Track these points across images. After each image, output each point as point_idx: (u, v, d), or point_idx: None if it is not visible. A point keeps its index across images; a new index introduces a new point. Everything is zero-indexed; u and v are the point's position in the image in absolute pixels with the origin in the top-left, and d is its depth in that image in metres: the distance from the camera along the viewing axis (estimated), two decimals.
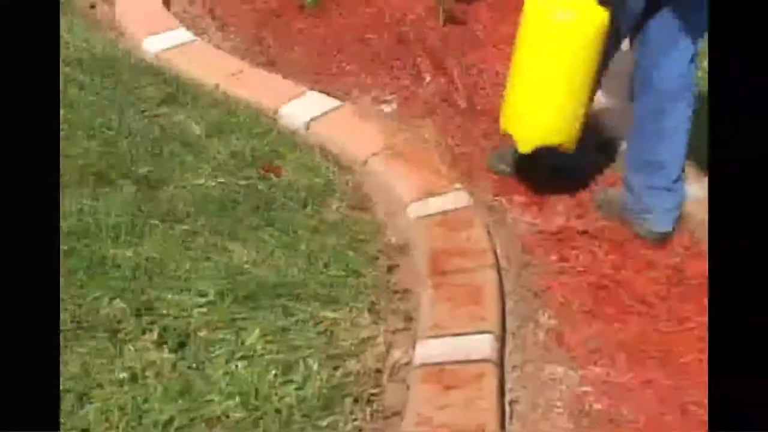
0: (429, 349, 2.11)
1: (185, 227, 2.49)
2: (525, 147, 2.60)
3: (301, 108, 3.16)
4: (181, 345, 2.09)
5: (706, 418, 1.98)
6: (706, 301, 2.33)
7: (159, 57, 3.42)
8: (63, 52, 3.32)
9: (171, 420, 1.88)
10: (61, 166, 2.64)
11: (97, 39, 3.52)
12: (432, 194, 2.71)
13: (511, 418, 1.99)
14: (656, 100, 2.58)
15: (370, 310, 2.26)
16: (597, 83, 2.59)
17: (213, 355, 2.07)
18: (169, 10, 3.82)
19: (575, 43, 2.46)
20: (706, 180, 2.84)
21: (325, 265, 2.39)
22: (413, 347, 2.13)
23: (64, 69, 3.19)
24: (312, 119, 3.10)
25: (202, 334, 2.13)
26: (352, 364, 2.09)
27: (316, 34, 3.76)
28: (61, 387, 1.92)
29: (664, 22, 2.49)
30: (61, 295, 2.16)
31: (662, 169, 2.61)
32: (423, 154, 2.94)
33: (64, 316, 2.12)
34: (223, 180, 2.73)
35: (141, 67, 3.34)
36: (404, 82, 3.44)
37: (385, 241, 2.56)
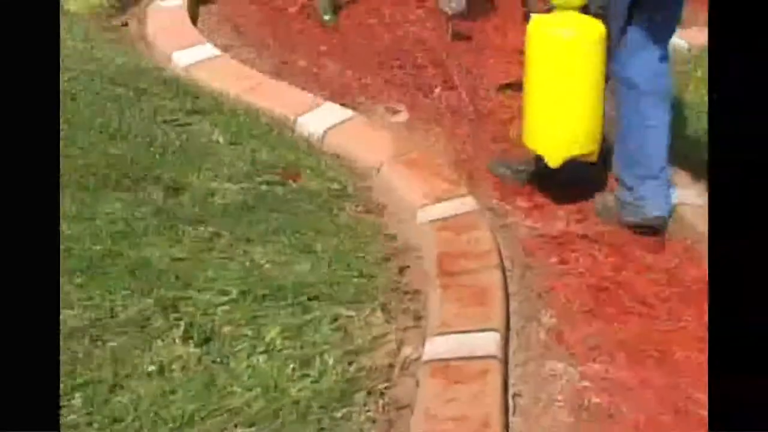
0: (437, 346, 2.11)
1: (209, 230, 2.49)
2: (554, 162, 2.60)
3: (318, 118, 3.16)
4: (206, 340, 2.09)
5: (702, 414, 1.98)
6: (702, 303, 2.34)
7: (186, 70, 3.44)
8: (98, 67, 3.35)
9: (196, 410, 1.88)
10: (93, 172, 2.68)
11: (130, 54, 3.53)
12: (440, 199, 2.71)
13: (514, 411, 1.99)
14: (636, 99, 2.59)
15: (382, 309, 2.25)
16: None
17: (235, 350, 2.07)
18: (196, 27, 3.83)
19: (580, 56, 2.48)
20: (701, 186, 2.84)
21: (340, 267, 2.39)
22: (422, 344, 2.13)
23: (100, 83, 3.22)
24: (328, 129, 3.11)
25: (225, 330, 2.13)
26: (365, 360, 2.09)
27: (332, 50, 3.77)
28: (93, 377, 1.93)
29: (636, 26, 2.51)
30: (96, 293, 2.18)
31: (649, 161, 2.61)
32: (431, 162, 2.94)
33: (98, 312, 2.13)
34: (244, 185, 2.74)
35: (169, 80, 3.35)
36: (414, 93, 3.45)
37: (396, 244, 2.56)
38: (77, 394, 1.88)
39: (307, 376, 2.01)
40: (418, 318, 2.25)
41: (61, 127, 2.88)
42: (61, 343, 2.01)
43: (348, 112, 3.21)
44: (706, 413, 1.97)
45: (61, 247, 2.32)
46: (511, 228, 2.67)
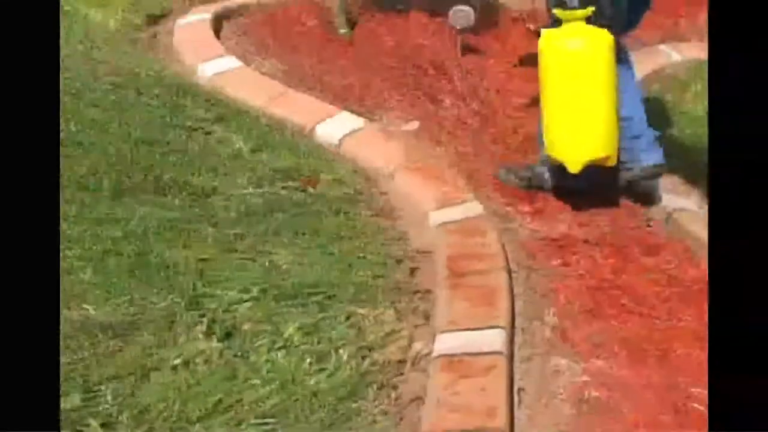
0: (446, 342, 2.11)
1: (232, 232, 2.50)
2: (575, 167, 2.59)
3: (335, 127, 3.17)
4: (228, 336, 2.09)
5: (699, 409, 1.97)
6: (700, 303, 2.34)
7: (210, 81, 3.45)
8: (128, 77, 3.37)
9: (219, 401, 1.88)
10: (124, 177, 2.69)
11: (158, 65, 3.55)
12: (449, 204, 2.72)
13: (518, 404, 1.98)
14: None
15: (394, 308, 2.25)
16: None
17: (255, 345, 2.07)
18: (219, 40, 3.85)
19: (592, 65, 2.49)
20: (696, 193, 2.85)
21: (355, 267, 2.39)
22: (432, 340, 2.13)
23: (130, 92, 3.23)
24: (344, 137, 3.12)
25: (246, 326, 2.13)
26: (378, 355, 2.09)
27: (349, 62, 3.77)
28: (122, 370, 1.94)
29: None
30: (125, 291, 2.19)
31: (631, 120, 2.67)
32: (441, 169, 2.95)
33: (127, 309, 2.14)
34: (265, 190, 2.75)
35: (195, 90, 3.37)
36: (425, 104, 3.45)
37: (408, 246, 2.56)
38: (108, 386, 1.89)
39: (323, 370, 2.01)
40: (428, 316, 2.25)
41: (93, 135, 2.91)
42: (93, 337, 2.04)
43: (363, 121, 3.22)
44: (703, 408, 1.97)
45: (96, 247, 2.35)
46: (516, 231, 2.67)
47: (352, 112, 3.29)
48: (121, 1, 4.02)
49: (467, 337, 2.12)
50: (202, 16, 3.99)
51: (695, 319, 2.28)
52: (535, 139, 2.95)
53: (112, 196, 2.59)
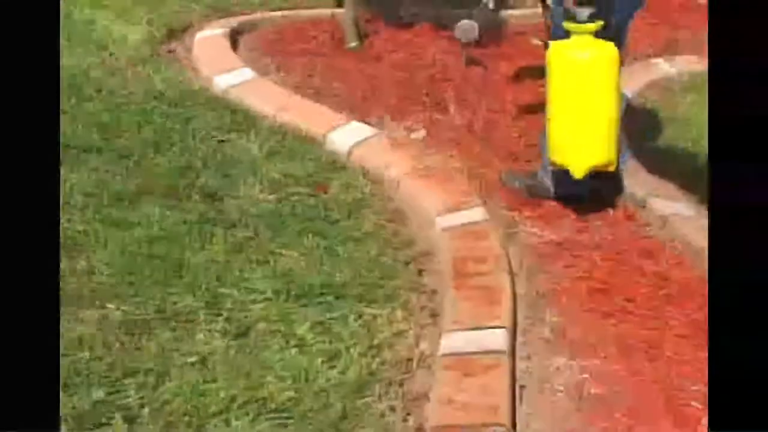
0: (451, 341, 2.11)
1: (247, 235, 2.51)
2: (579, 172, 2.59)
3: (345, 135, 3.17)
4: (243, 334, 2.10)
5: (689, 402, 1.98)
6: (692, 303, 2.34)
7: (227, 92, 3.46)
8: (149, 88, 3.38)
9: (235, 396, 1.89)
10: (142, 181, 2.70)
11: (177, 77, 3.56)
12: (455, 209, 2.71)
13: (520, 400, 1.98)
14: None
15: (402, 308, 2.26)
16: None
17: (269, 343, 2.08)
18: (235, 53, 3.86)
19: (598, 75, 2.51)
20: (689, 198, 2.84)
21: (365, 269, 2.39)
22: (438, 339, 2.13)
23: (151, 102, 3.24)
24: (354, 145, 3.11)
25: (260, 326, 2.14)
26: (387, 353, 2.09)
27: (358, 73, 3.77)
28: (143, 367, 1.95)
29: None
30: (145, 291, 2.20)
31: None
32: (447, 175, 2.95)
33: (147, 308, 2.15)
34: (278, 195, 2.75)
35: (212, 100, 3.38)
36: (432, 113, 3.44)
37: (415, 249, 2.56)
38: (131, 381, 1.90)
39: (334, 367, 2.02)
40: (434, 316, 2.26)
41: (114, 142, 2.92)
42: (115, 335, 2.05)
43: (372, 130, 3.22)
44: (693, 402, 1.97)
45: (118, 249, 2.36)
46: (519, 235, 2.66)
47: (362, 121, 3.28)
48: (145, 16, 4.04)
49: (471, 336, 2.13)
50: (220, 30, 4.00)
51: (688, 319, 2.28)
52: (537, 147, 2.95)
53: (133, 200, 2.60)
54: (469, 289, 2.31)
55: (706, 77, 4.06)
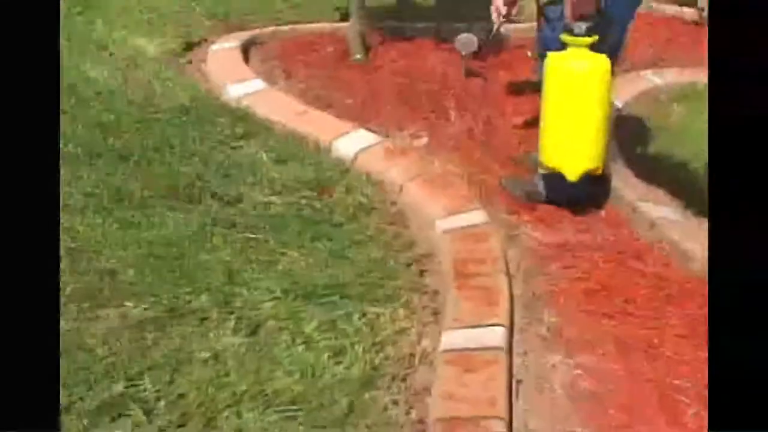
0: (452, 339, 2.11)
1: (257, 237, 2.50)
2: (573, 176, 2.63)
3: (350, 142, 3.17)
4: (253, 332, 2.10)
5: (682, 399, 1.97)
6: (680, 302, 2.33)
7: (239, 101, 3.46)
8: (166, 97, 3.38)
9: (246, 390, 1.89)
10: (161, 186, 2.70)
11: (192, 87, 3.57)
12: (456, 212, 2.71)
13: (517, 395, 1.98)
14: None
15: (405, 307, 2.26)
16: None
17: (278, 340, 2.08)
18: (247, 65, 3.86)
19: (592, 86, 2.54)
20: (676, 203, 2.84)
21: (369, 270, 2.39)
22: (439, 337, 2.13)
23: (167, 110, 3.25)
24: (359, 151, 3.11)
25: (270, 323, 2.14)
26: (390, 350, 2.09)
27: (363, 84, 3.78)
28: (159, 362, 1.95)
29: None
30: (161, 291, 2.20)
31: None
32: (449, 180, 2.94)
33: (163, 307, 2.15)
34: (287, 199, 2.75)
35: (225, 109, 3.38)
36: (434, 122, 3.45)
37: (418, 251, 2.56)
38: (147, 375, 1.91)
39: (340, 363, 2.02)
40: (435, 314, 2.25)
41: (131, 148, 2.93)
42: (132, 332, 2.05)
43: (376, 137, 3.22)
44: (686, 399, 1.97)
45: (135, 250, 2.36)
46: (518, 238, 2.66)
47: (366, 129, 3.29)
48: (162, 30, 4.05)
49: (471, 333, 2.12)
50: (233, 43, 4.01)
51: (677, 317, 2.28)
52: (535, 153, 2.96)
53: (150, 204, 2.60)
54: (469, 289, 2.30)
55: (691, 88, 4.11)
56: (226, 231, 2.51)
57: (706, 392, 1.95)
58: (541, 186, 2.83)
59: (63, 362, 1.86)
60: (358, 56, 4.00)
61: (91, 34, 3.92)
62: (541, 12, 2.82)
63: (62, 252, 2.28)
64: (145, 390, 1.87)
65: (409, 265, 2.47)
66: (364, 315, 2.20)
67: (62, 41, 3.62)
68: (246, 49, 4.00)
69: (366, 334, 2.13)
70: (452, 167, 3.05)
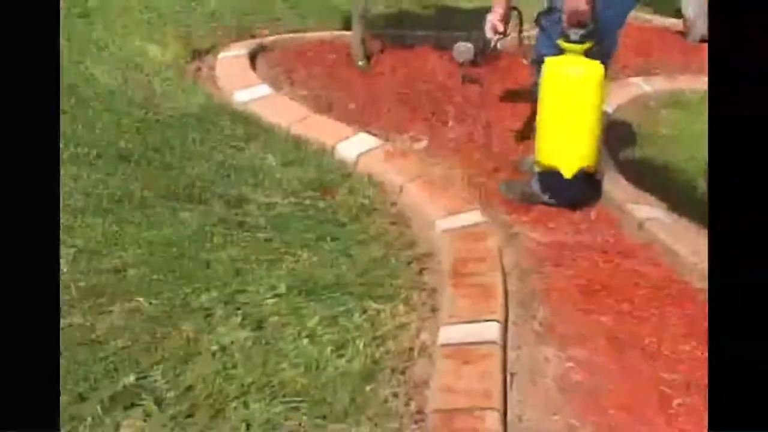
0: (449, 333, 2.12)
1: (263, 236, 2.51)
2: (569, 172, 2.67)
3: (353, 145, 3.18)
4: (259, 327, 2.11)
5: (669, 393, 1.97)
6: (666, 299, 2.33)
7: (246, 106, 3.47)
8: (176, 103, 3.38)
9: (252, 383, 1.89)
10: (171, 187, 2.70)
11: (201, 93, 3.57)
12: (454, 213, 2.71)
13: (511, 387, 1.98)
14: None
15: (404, 303, 2.26)
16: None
17: (283, 335, 2.08)
18: (254, 71, 3.86)
19: (587, 89, 2.57)
20: (666, 205, 2.84)
21: (370, 268, 2.40)
22: (437, 331, 2.14)
23: (177, 114, 3.25)
24: (361, 154, 3.12)
25: (275, 319, 2.14)
26: (390, 344, 2.09)
27: (365, 89, 3.78)
28: (167, 356, 1.95)
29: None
30: (171, 287, 2.20)
31: None
32: (448, 182, 2.95)
33: (173, 302, 2.15)
34: (291, 200, 2.75)
35: (232, 113, 3.38)
36: (433, 126, 3.45)
37: (417, 250, 2.56)
38: (158, 368, 1.91)
39: (342, 356, 2.02)
40: (434, 310, 2.26)
41: (142, 152, 2.93)
42: (143, 326, 2.05)
43: (377, 141, 3.23)
44: (672, 392, 1.97)
45: (146, 248, 2.36)
46: (514, 238, 2.66)
47: (368, 132, 3.29)
48: (173, 38, 4.05)
49: (467, 329, 2.13)
50: (240, 50, 4.01)
51: (663, 313, 2.28)
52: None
53: (159, 204, 2.61)
54: (466, 286, 2.31)
55: (679, 95, 4.11)
56: (232, 230, 2.51)
57: (691, 382, 1.96)
58: (536, 188, 2.83)
59: (78, 354, 1.87)
60: (361, 63, 4.00)
61: (104, 46, 3.92)
62: (537, 21, 2.83)
63: (73, 251, 2.29)
64: (155, 381, 1.87)
65: (409, 263, 2.47)
66: (365, 311, 2.20)
67: (64, 42, 3.62)
68: (254, 56, 4.00)
69: (367, 329, 2.13)
70: (451, 169, 3.05)
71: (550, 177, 2.73)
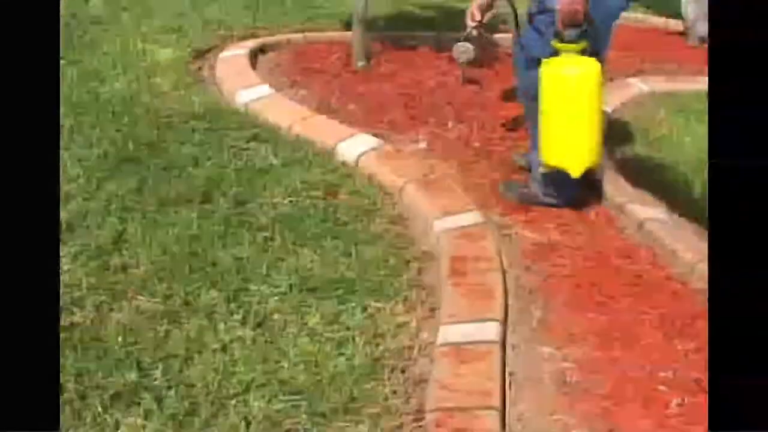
0: (448, 332, 2.12)
1: (265, 235, 2.52)
2: (576, 172, 2.64)
3: (353, 146, 3.18)
4: (261, 324, 2.11)
5: (659, 388, 1.98)
6: (665, 299, 2.35)
7: (247, 106, 3.47)
8: (178, 103, 3.39)
9: (253, 380, 1.90)
10: (172, 187, 2.72)
11: (203, 93, 3.58)
12: (453, 213, 2.72)
13: (509, 385, 1.99)
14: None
15: (404, 302, 2.27)
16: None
17: (284, 332, 2.09)
18: (255, 71, 3.87)
19: (585, 88, 2.57)
20: (663, 204, 2.85)
21: (370, 267, 2.40)
22: (437, 330, 2.14)
23: (179, 114, 3.25)
24: (361, 154, 3.12)
25: (276, 316, 2.15)
26: (390, 343, 2.10)
27: (365, 90, 3.79)
28: (171, 352, 1.96)
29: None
30: (174, 285, 2.21)
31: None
32: (446, 183, 2.95)
33: (175, 301, 2.16)
34: (293, 199, 2.76)
35: (234, 114, 3.39)
36: (433, 127, 3.46)
37: (417, 250, 2.57)
38: (159, 365, 1.92)
39: (342, 354, 2.03)
40: (433, 309, 2.26)
41: (148, 154, 2.94)
42: (145, 324, 2.06)
43: (378, 141, 3.23)
44: (663, 387, 1.98)
45: (150, 247, 2.37)
46: (511, 237, 2.67)
47: (368, 133, 3.29)
48: (175, 39, 4.07)
49: (466, 328, 2.13)
50: (241, 50, 4.02)
51: (660, 313, 2.29)
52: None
53: (162, 204, 2.62)
54: (465, 286, 2.31)
55: (677, 95, 4.11)
56: (235, 230, 2.52)
57: (691, 382, 1.97)
58: (535, 188, 2.84)
59: (80, 353, 1.89)
60: (361, 64, 4.01)
61: (116, 50, 3.94)
62: (530, 21, 2.83)
63: (75, 250, 2.31)
64: (156, 379, 1.88)
65: (408, 262, 2.48)
66: (365, 309, 2.21)
67: (64, 42, 3.63)
68: (254, 57, 4.01)
69: (367, 327, 2.14)
70: (450, 170, 3.06)
71: (555, 177, 2.72)
